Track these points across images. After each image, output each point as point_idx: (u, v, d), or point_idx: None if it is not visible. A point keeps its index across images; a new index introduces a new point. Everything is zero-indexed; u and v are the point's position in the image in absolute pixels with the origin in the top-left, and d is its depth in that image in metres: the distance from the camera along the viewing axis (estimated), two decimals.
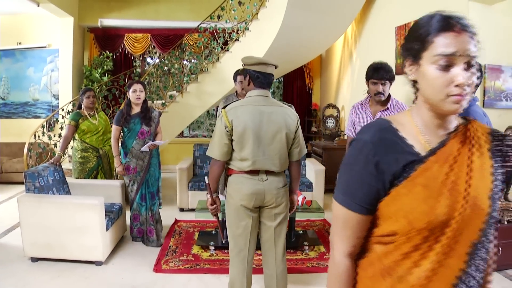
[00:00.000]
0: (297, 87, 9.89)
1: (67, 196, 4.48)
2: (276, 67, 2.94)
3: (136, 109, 4.57)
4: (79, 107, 5.16)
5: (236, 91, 4.82)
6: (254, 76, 2.87)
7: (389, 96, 3.47)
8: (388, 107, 3.43)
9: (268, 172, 2.87)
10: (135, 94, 4.48)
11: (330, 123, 8.14)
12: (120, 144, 4.67)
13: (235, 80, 4.74)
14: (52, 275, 3.88)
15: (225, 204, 2.97)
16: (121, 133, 4.63)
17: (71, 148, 5.49)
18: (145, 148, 4.49)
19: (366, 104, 3.56)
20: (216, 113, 5.00)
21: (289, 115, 2.90)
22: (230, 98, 4.85)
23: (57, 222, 3.99)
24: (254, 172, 2.84)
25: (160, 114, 4.80)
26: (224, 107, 2.85)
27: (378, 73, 3.36)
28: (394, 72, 5.44)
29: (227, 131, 2.78)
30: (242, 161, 2.82)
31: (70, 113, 5.47)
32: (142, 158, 4.56)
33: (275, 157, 2.85)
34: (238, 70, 4.72)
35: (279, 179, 2.92)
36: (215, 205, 2.97)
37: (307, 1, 5.96)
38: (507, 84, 4.37)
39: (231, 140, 2.81)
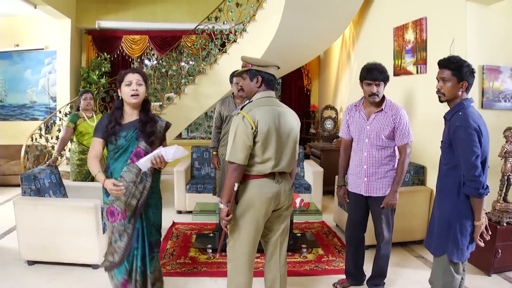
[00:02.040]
0: (295, 89, 9.86)
1: (63, 198, 4.45)
2: (278, 68, 2.93)
3: (131, 115, 3.00)
4: (78, 109, 5.16)
5: (233, 93, 4.79)
6: (268, 78, 2.84)
7: (383, 97, 3.42)
8: (382, 108, 3.39)
9: (281, 173, 2.85)
10: (130, 88, 2.90)
11: (328, 124, 8.11)
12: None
13: (231, 82, 4.71)
14: (48, 278, 3.85)
15: (237, 211, 2.81)
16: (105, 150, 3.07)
17: (69, 151, 5.48)
18: (145, 162, 2.75)
19: (360, 106, 3.51)
20: (214, 115, 4.96)
21: (295, 115, 2.94)
22: (227, 100, 4.82)
23: (53, 225, 3.96)
24: (272, 175, 2.80)
25: (167, 126, 3.16)
26: (241, 109, 2.79)
27: (371, 74, 3.32)
28: (392, 73, 5.49)
29: (252, 132, 2.69)
30: (265, 163, 2.75)
31: (68, 115, 5.46)
32: (135, 195, 2.91)
33: (290, 157, 2.86)
34: (234, 72, 4.69)
35: (289, 180, 2.94)
36: (230, 216, 2.75)
37: (304, 3, 5.94)
38: (506, 85, 4.35)
39: (254, 142, 2.72)
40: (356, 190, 3.54)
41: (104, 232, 3.62)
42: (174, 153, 2.79)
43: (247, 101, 2.89)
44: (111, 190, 2.67)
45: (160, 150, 2.77)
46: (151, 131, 2.98)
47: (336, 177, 3.90)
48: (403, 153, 3.38)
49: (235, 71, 4.69)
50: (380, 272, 3.62)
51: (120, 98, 3.00)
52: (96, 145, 2.93)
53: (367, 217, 3.64)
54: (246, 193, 2.80)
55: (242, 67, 2.92)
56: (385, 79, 3.35)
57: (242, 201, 2.80)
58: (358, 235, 3.67)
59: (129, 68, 9.25)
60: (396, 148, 3.46)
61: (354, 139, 3.54)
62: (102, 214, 3.05)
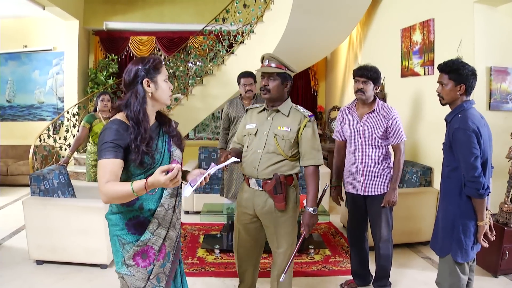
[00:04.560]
0: (302, 89, 9.87)
1: (72, 199, 4.49)
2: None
3: (152, 117, 2.18)
4: (95, 110, 5.23)
5: (241, 94, 4.80)
6: (292, 85, 2.96)
7: (375, 98, 3.51)
8: (374, 109, 3.46)
9: None
10: (168, 85, 2.19)
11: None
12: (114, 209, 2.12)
13: (239, 83, 4.72)
14: (56, 277, 3.88)
15: (294, 214, 2.92)
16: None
17: (77, 152, 5.52)
18: (191, 187, 1.99)
19: (353, 108, 3.59)
20: (221, 115, 4.97)
21: None
22: (235, 101, 4.83)
23: (62, 225, 3.99)
24: None
25: (176, 124, 2.34)
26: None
27: (359, 70, 3.45)
28: (399, 75, 5.49)
29: None
30: None
31: (85, 116, 5.52)
32: (174, 223, 2.18)
33: None
34: (241, 73, 4.70)
35: None
36: None
37: (311, 4, 5.94)
38: None
39: None
40: (353, 190, 3.59)
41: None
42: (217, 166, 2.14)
43: (276, 104, 2.86)
44: (170, 181, 1.74)
45: (212, 165, 2.09)
46: (178, 133, 2.28)
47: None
48: (397, 152, 3.48)
49: (242, 73, 4.71)
50: (383, 273, 3.62)
51: (143, 95, 2.08)
52: (112, 168, 1.91)
53: (367, 216, 3.66)
54: (295, 193, 2.92)
55: (266, 65, 2.81)
56: (373, 78, 3.41)
57: (293, 204, 2.90)
58: (360, 235, 3.69)
59: None
60: (390, 147, 3.55)
61: (348, 140, 3.60)
62: (118, 258, 2.07)
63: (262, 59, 2.87)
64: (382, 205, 3.44)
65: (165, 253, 2.11)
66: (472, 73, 2.63)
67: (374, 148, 3.47)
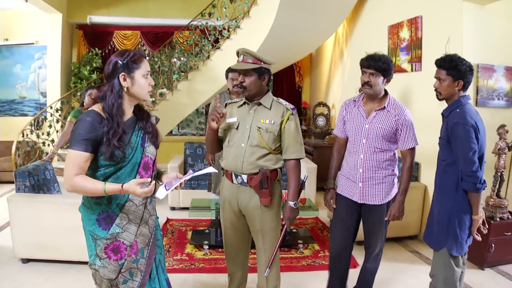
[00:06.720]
0: (287, 85, 9.88)
1: (59, 195, 4.41)
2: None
3: (128, 111, 2.17)
4: (81, 105, 5.12)
5: (228, 89, 4.77)
6: (270, 77, 2.89)
7: (386, 93, 3.06)
8: (385, 107, 2.99)
9: None
10: (148, 81, 2.14)
11: (321, 121, 8.14)
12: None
13: (227, 77, 4.69)
14: (44, 276, 3.82)
15: (278, 206, 2.87)
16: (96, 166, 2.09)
17: (62, 148, 5.44)
18: (166, 190, 2.05)
19: (360, 101, 3.10)
20: (209, 110, 4.92)
21: None
22: (223, 95, 4.80)
23: (50, 222, 3.92)
24: None
25: (157, 120, 2.40)
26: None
27: (366, 61, 2.97)
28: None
29: None
30: None
31: (73, 111, 5.44)
32: (146, 219, 2.22)
33: None
34: (230, 67, 4.65)
35: None
36: None
37: (299, 0, 5.94)
38: (499, 83, 4.41)
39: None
40: (348, 195, 3.13)
41: (96, 281, 2.19)
42: (204, 172, 2.20)
43: (256, 98, 2.79)
44: (144, 193, 1.93)
45: (190, 173, 2.14)
46: (154, 130, 2.27)
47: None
48: (408, 159, 3.06)
49: (231, 67, 4.66)
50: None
51: (119, 89, 2.08)
52: (81, 162, 1.98)
53: (357, 226, 3.24)
54: (280, 188, 2.89)
55: (241, 61, 2.74)
56: (383, 70, 2.92)
57: (278, 199, 2.85)
58: (346, 247, 3.24)
59: None
60: (396, 151, 3.14)
61: (350, 139, 3.14)
62: (92, 252, 2.16)
63: (237, 54, 2.78)
64: (386, 218, 3.06)
65: (137, 249, 2.16)
66: (470, 69, 2.65)
67: (379, 152, 3.01)
